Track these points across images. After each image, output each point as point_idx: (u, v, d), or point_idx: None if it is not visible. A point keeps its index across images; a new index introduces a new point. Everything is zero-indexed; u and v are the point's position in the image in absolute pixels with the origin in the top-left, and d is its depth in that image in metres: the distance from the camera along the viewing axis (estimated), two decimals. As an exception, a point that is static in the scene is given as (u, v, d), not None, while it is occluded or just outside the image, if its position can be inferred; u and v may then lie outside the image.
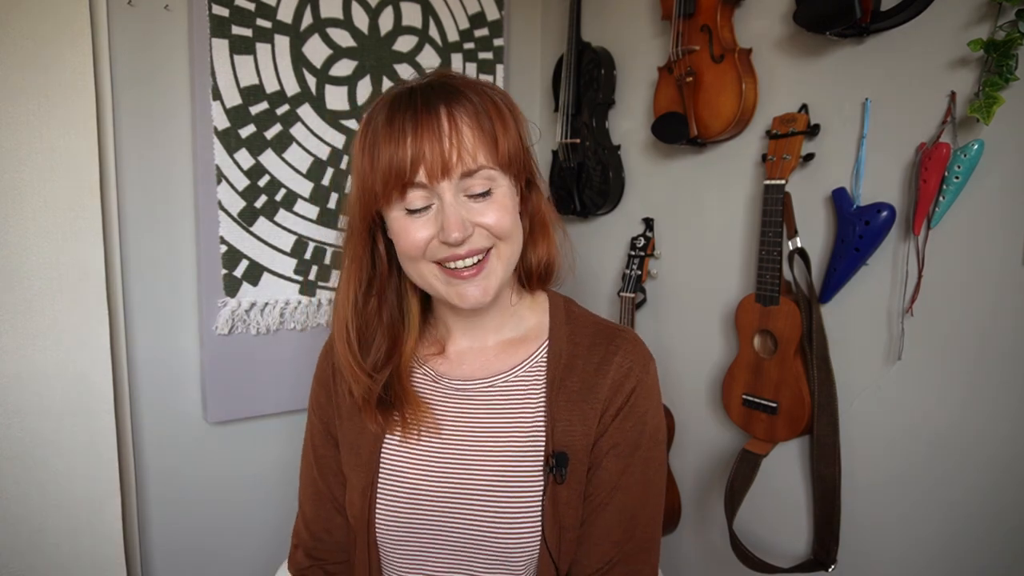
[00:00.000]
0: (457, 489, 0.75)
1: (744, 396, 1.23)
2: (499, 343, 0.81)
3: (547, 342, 0.79)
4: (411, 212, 0.68)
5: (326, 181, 1.44)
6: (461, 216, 0.67)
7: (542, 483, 0.73)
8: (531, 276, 0.80)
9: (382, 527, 0.76)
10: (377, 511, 0.76)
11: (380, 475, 0.77)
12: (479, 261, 0.69)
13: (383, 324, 0.78)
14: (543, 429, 0.75)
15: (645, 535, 0.76)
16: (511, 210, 0.70)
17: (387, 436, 0.79)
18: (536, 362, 0.78)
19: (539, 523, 0.72)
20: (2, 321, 1.12)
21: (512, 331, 0.81)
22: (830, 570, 1.14)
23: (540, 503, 0.72)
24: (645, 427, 0.76)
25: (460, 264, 0.69)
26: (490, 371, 0.79)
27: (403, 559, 0.78)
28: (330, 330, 0.88)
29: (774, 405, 1.18)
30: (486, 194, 0.68)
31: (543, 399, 0.76)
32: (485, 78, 1.63)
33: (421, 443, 0.77)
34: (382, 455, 0.78)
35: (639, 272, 1.44)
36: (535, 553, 0.73)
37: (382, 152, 0.67)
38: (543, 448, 0.74)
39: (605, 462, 0.75)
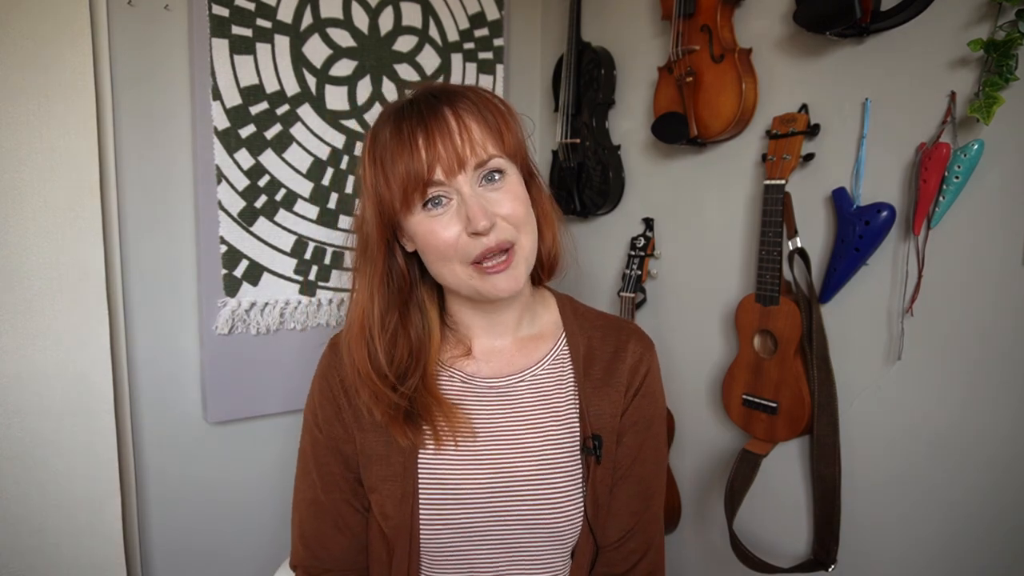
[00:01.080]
0: (501, 485, 0.77)
1: (744, 396, 1.23)
2: (518, 340, 0.84)
3: (564, 336, 0.84)
4: (431, 208, 0.71)
5: (326, 181, 1.44)
6: (482, 204, 0.69)
7: (580, 466, 0.78)
8: (543, 267, 0.84)
9: (427, 534, 0.77)
10: (422, 518, 0.76)
11: (421, 483, 0.77)
12: (506, 255, 0.72)
13: (408, 338, 0.79)
14: (576, 416, 0.80)
15: (658, 504, 0.84)
16: (524, 199, 0.74)
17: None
18: (558, 355, 0.83)
19: (581, 504, 0.77)
20: (2, 321, 1.12)
21: (528, 328, 0.85)
22: (830, 570, 1.14)
23: (581, 485, 0.78)
24: (656, 405, 0.84)
25: (493, 261, 0.72)
26: (516, 367, 0.82)
27: (446, 560, 0.78)
28: (332, 332, 0.88)
29: (774, 405, 1.18)
30: (500, 179, 0.72)
31: (572, 388, 0.81)
32: (485, 78, 1.64)
33: (459, 447, 0.78)
34: (419, 463, 0.78)
35: (639, 272, 1.45)
36: (578, 532, 0.78)
37: (397, 162, 0.69)
38: (578, 433, 0.79)
39: (625, 439, 0.81)
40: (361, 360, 0.76)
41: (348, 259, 1.44)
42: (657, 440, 0.83)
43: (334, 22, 1.41)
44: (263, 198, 1.37)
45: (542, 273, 0.85)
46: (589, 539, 0.78)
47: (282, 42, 1.35)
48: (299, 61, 1.37)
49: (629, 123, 1.53)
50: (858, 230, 1.05)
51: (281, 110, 1.37)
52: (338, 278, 1.47)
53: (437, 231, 0.70)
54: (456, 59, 1.58)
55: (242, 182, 1.34)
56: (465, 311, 0.82)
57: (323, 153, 1.43)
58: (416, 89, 0.75)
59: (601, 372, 0.81)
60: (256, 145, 1.34)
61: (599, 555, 0.80)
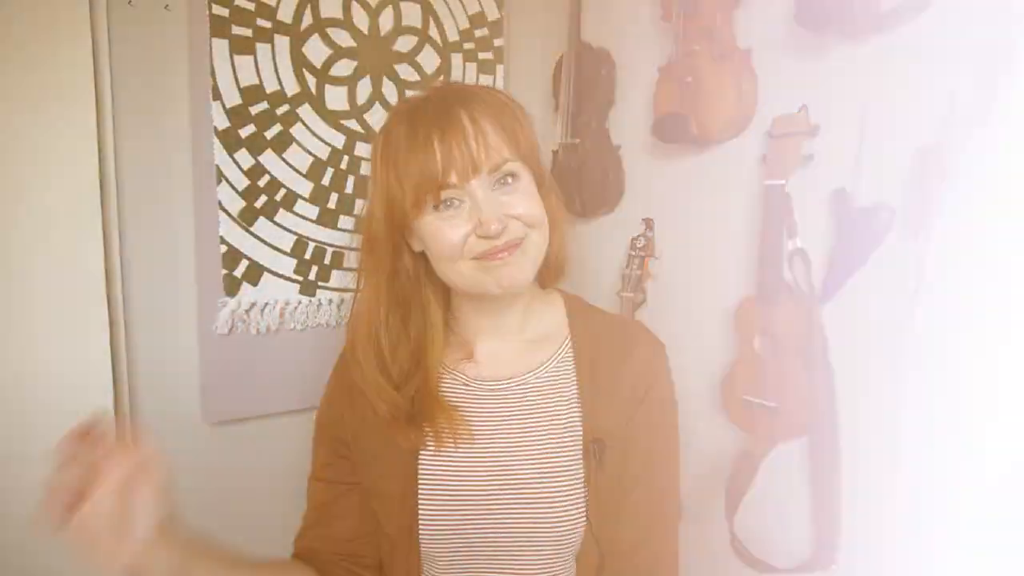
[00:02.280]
0: (502, 487, 0.76)
1: (744, 396, 1.23)
2: (523, 342, 0.83)
3: (569, 338, 0.83)
4: (442, 210, 0.71)
5: (326, 181, 1.44)
6: (495, 208, 0.69)
7: (583, 471, 0.77)
8: (549, 270, 0.83)
9: (427, 534, 0.77)
10: (421, 519, 0.77)
11: (421, 484, 0.78)
12: (514, 248, 0.72)
13: (409, 339, 0.79)
14: (579, 419, 0.79)
15: (671, 511, 0.83)
16: (537, 199, 0.74)
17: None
18: (562, 357, 0.82)
19: (583, 510, 0.76)
20: (2, 321, 1.12)
21: (533, 330, 0.84)
22: (830, 570, 1.14)
23: (583, 491, 0.76)
24: (666, 408, 0.83)
25: (500, 253, 0.71)
26: (519, 369, 0.81)
27: (447, 561, 0.78)
28: (332, 332, 0.88)
29: (774, 405, 1.18)
30: (513, 183, 0.72)
31: (575, 391, 0.80)
32: (485, 78, 1.64)
33: (459, 449, 0.78)
34: (420, 464, 0.78)
35: (639, 272, 1.45)
36: (580, 539, 0.76)
37: (410, 163, 0.69)
38: (580, 438, 0.78)
39: (634, 444, 0.79)
40: (367, 360, 0.77)
41: (350, 259, 1.44)
42: (667, 443, 0.82)
43: (334, 22, 1.41)
44: (263, 198, 1.36)
45: (548, 276, 0.84)
46: (593, 547, 0.78)
47: (282, 42, 1.35)
48: (299, 61, 1.37)
49: (629, 123, 1.53)
50: (858, 230, 1.05)
51: (281, 110, 1.36)
52: (338, 278, 1.47)
53: (446, 231, 0.70)
54: (456, 59, 1.58)
55: (242, 182, 1.34)
56: (470, 312, 0.82)
57: (323, 153, 1.43)
58: (430, 88, 0.75)
59: (607, 376, 0.80)
60: (256, 145, 1.34)
61: (607, 564, 0.79)
